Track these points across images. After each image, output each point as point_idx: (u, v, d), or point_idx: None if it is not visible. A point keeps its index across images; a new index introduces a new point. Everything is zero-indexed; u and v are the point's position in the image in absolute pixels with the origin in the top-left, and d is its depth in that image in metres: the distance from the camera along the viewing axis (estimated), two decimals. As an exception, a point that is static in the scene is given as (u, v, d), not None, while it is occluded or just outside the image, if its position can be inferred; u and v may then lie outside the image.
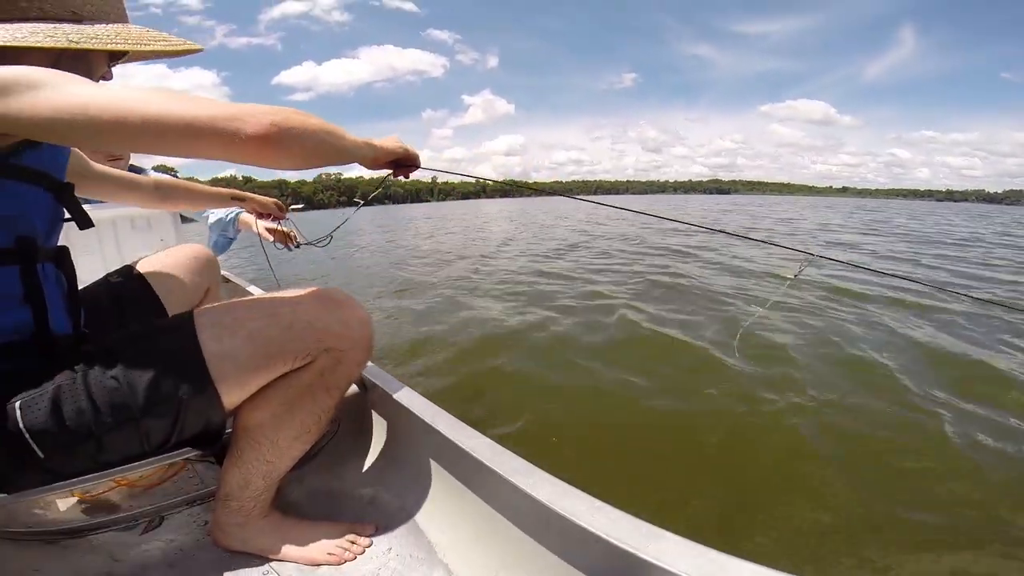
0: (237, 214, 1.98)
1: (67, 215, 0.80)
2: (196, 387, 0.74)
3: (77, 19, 0.73)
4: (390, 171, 0.93)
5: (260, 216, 1.51)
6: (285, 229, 1.54)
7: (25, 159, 0.70)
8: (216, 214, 2.06)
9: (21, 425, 0.67)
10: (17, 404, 0.68)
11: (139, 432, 0.74)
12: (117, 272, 1.08)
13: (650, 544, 0.60)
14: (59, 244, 0.80)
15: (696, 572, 0.55)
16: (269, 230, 1.59)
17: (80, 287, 1.02)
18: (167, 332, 0.79)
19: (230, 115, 0.62)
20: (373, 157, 0.85)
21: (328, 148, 0.72)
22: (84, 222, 0.79)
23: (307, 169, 0.72)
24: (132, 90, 0.62)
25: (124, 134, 0.61)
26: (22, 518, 0.92)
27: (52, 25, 0.69)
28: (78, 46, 0.70)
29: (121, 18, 0.79)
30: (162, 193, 1.20)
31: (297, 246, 1.54)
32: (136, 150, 0.69)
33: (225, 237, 2.05)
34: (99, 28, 0.73)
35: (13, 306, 0.71)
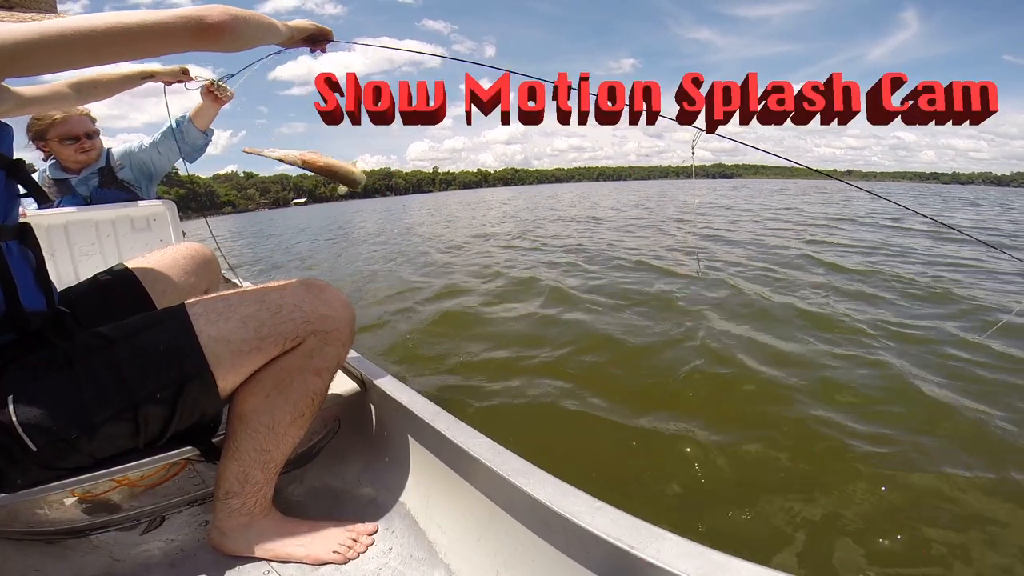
0: (184, 116, 2.01)
1: (22, 191, 0.80)
2: (193, 372, 0.76)
3: (8, 6, 0.74)
4: (307, 46, 1.06)
5: (170, 83, 1.59)
6: (208, 83, 1.71)
7: None
8: (163, 127, 2.06)
9: (14, 419, 0.67)
10: (10, 398, 0.68)
11: (136, 422, 0.74)
12: (107, 271, 1.06)
13: (650, 544, 0.59)
14: (21, 221, 0.80)
15: (696, 572, 0.55)
16: (207, 95, 1.79)
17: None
18: (161, 320, 0.80)
19: (191, 13, 0.73)
20: (290, 36, 0.97)
21: (264, 31, 0.85)
22: (42, 197, 0.82)
23: (245, 50, 0.84)
24: (81, 16, 0.69)
25: (93, 46, 0.68)
26: (23, 518, 0.93)
27: None
28: None
29: (51, 7, 0.81)
30: (82, 92, 1.25)
31: (217, 84, 1.72)
32: (105, 60, 0.74)
33: (196, 143, 2.04)
34: (36, 16, 0.75)
35: None
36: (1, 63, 0.64)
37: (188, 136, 2.02)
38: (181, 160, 2.11)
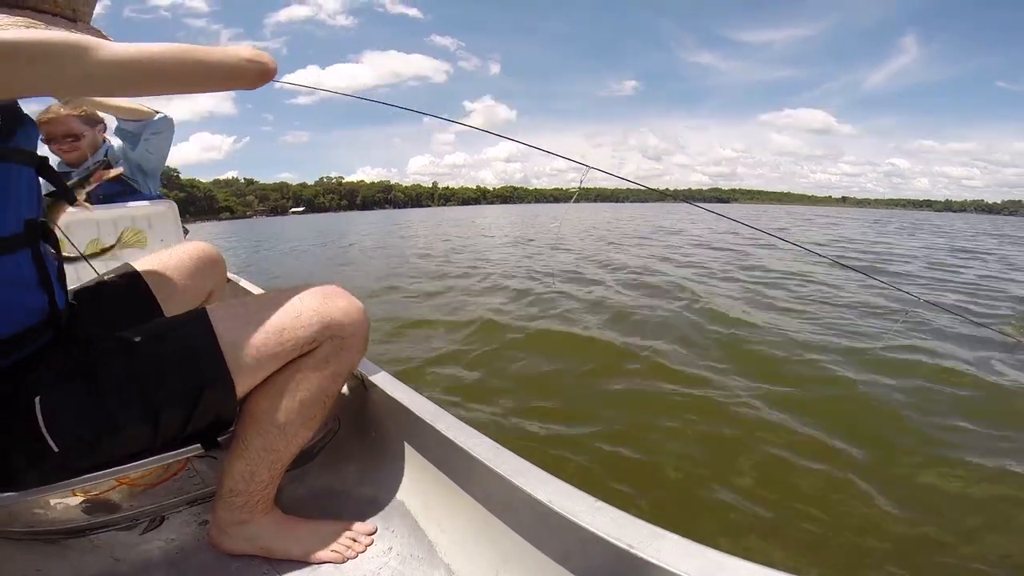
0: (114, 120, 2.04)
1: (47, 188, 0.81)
2: (213, 377, 0.77)
3: (72, 18, 0.75)
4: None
5: None
6: None
7: (19, 140, 0.71)
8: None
9: (40, 420, 0.68)
10: (37, 400, 0.69)
11: (155, 425, 0.75)
12: (113, 272, 1.06)
13: (650, 544, 0.60)
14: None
15: (696, 572, 0.54)
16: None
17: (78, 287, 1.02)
18: (183, 326, 0.81)
19: (251, 56, 0.79)
20: None
21: None
22: (70, 196, 0.83)
23: None
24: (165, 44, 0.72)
25: (178, 78, 0.72)
26: (24, 518, 0.93)
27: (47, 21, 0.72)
28: None
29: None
30: None
31: None
32: (180, 91, 0.77)
33: (135, 133, 2.04)
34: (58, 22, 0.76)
35: (31, 290, 0.73)
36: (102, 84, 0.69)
37: (126, 135, 2.04)
38: (139, 157, 2.13)
